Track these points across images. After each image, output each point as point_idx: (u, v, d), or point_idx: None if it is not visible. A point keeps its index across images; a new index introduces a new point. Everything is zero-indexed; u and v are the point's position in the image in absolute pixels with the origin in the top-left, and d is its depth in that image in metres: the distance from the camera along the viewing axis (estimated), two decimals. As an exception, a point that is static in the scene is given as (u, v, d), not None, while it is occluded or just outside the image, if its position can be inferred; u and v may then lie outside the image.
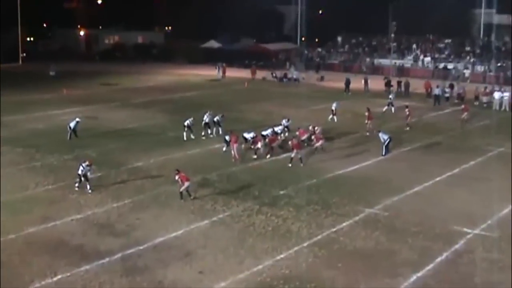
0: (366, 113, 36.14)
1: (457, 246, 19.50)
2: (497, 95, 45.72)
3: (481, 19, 70.78)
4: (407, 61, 66.94)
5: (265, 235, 20.28)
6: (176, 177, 23.64)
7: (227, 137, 30.17)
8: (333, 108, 39.31)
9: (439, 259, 18.54)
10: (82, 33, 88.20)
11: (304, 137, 31.80)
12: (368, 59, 69.24)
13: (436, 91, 47.38)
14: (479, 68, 62.40)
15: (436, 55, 66.91)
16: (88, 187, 24.34)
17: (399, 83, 52.73)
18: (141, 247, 19.13)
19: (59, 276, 17.16)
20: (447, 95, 47.91)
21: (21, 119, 38.28)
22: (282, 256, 18.63)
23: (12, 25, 72.58)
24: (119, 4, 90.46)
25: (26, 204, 22.80)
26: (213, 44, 78.55)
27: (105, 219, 21.61)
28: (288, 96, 51.07)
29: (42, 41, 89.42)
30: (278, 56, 74.40)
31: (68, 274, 17.29)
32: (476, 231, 20.74)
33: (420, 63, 66.49)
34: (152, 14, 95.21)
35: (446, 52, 67.54)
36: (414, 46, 69.57)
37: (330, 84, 58.38)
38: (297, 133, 31.99)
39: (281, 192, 24.72)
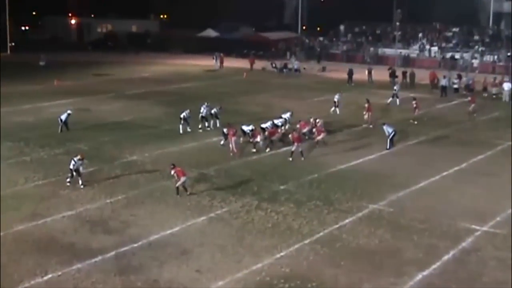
0: (366, 105, 36.11)
1: (464, 244, 19.49)
2: (506, 86, 45.72)
3: (490, 7, 70.64)
4: (413, 51, 66.90)
5: (265, 232, 20.28)
6: (172, 172, 23.61)
7: (225, 130, 30.15)
8: (336, 99, 39.28)
9: (446, 258, 18.53)
10: (73, 21, 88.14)
11: (305, 130, 31.78)
12: (372, 49, 69.18)
13: (443, 82, 47.34)
14: (488, 58, 62.37)
15: (443, 45, 66.83)
16: (80, 182, 24.32)
17: (404, 73, 52.63)
18: (135, 245, 19.11)
19: (49, 275, 17.14)
20: (455, 86, 47.85)
21: (9, 112, 38.18)
22: (282, 254, 18.62)
23: None
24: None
25: (15, 201, 22.76)
26: (210, 33, 78.52)
27: (98, 215, 21.59)
28: (289, 87, 51.03)
29: (31, 30, 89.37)
30: (278, 45, 74.32)
31: (59, 273, 17.27)
32: (485, 228, 20.75)
33: (426, 53, 66.44)
34: (146, 1, 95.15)
35: (454, 41, 67.46)
36: (420, 35, 69.47)
37: (332, 74, 58.36)
38: (298, 126, 31.95)
39: (281, 188, 24.72)
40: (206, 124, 34.29)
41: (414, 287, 16.89)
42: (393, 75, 52.40)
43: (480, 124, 37.22)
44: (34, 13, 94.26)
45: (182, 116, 33.38)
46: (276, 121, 32.25)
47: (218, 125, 33.98)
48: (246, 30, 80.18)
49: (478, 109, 39.62)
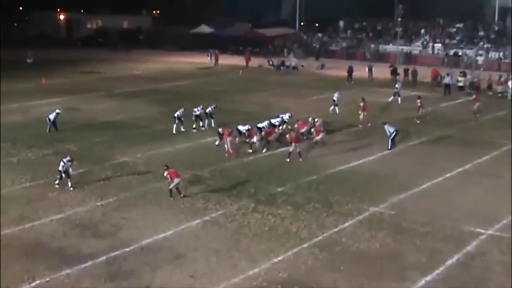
0: (361, 104, 36.14)
1: (469, 248, 19.51)
2: (512, 84, 45.83)
3: (496, 2, 70.79)
4: (415, 48, 67.05)
5: (261, 235, 20.28)
6: (165, 173, 23.61)
7: (220, 130, 30.13)
8: (335, 98, 39.33)
9: (449, 262, 18.55)
10: (62, 16, 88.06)
11: (304, 129, 31.81)
12: (372, 46, 69.31)
13: (447, 80, 47.40)
14: (493, 55, 62.50)
15: (447, 41, 66.97)
16: (70, 184, 24.30)
17: (406, 71, 52.76)
18: (127, 249, 19.09)
19: (37, 281, 17.11)
20: (460, 84, 47.84)
21: (-5, 111, 38.15)
22: (279, 258, 18.62)
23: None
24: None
25: (1, 204, 22.67)
26: (205, 29, 78.51)
27: (88, 219, 21.56)
28: (286, 85, 51.07)
29: (18, 26, 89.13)
30: (275, 42, 74.43)
31: (47, 279, 17.25)
32: (490, 232, 20.76)
33: (429, 49, 66.53)
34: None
35: (458, 38, 67.61)
36: (423, 31, 69.63)
37: (331, 72, 58.43)
38: (296, 125, 32.00)
39: (279, 189, 24.72)
40: (201, 123, 34.29)
41: (417, 293, 16.95)
42: (394, 72, 52.52)
43: (484, 124, 37.27)
44: (20, 8, 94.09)
45: (176, 115, 33.37)
46: (273, 121, 32.26)
47: (213, 124, 33.98)
48: (242, 26, 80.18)
49: (482, 108, 39.70)
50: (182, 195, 23.41)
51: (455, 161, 28.50)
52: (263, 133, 30.58)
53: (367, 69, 54.21)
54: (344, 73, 53.51)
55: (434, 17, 71.70)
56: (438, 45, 66.35)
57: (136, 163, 28.09)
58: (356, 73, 53.24)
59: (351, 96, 43.01)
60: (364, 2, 75.09)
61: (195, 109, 34.29)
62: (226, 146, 29.36)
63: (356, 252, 19.20)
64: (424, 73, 52.41)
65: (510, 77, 48.10)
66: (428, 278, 17.55)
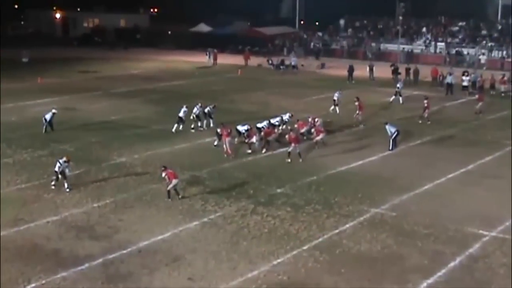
0: (356, 103, 36.12)
1: (471, 250, 19.53)
2: (515, 83, 45.87)
3: (498, 0, 70.82)
4: (417, 46, 67.10)
5: (261, 237, 20.28)
6: (163, 174, 23.62)
7: (218, 130, 30.14)
8: (335, 98, 39.35)
9: (452, 264, 18.56)
10: (58, 15, 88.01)
11: (303, 130, 31.83)
12: (373, 44, 69.33)
13: (449, 79, 47.39)
14: (496, 54, 62.53)
15: (449, 40, 67.00)
16: (66, 185, 24.29)
17: (407, 70, 52.75)
18: (124, 252, 19.09)
19: (32, 285, 17.10)
20: (464, 83, 47.70)
21: (-10, 111, 38.15)
22: (279, 260, 18.63)
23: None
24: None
25: (-3, 205, 22.74)
26: (203, 27, 78.51)
27: (84, 220, 21.55)
28: (286, 85, 51.07)
29: (13, 24, 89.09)
30: (275, 41, 74.40)
31: (43, 282, 17.24)
32: (493, 234, 20.78)
33: (432, 48, 66.55)
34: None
35: (460, 36, 67.65)
36: (424, 29, 69.68)
37: (332, 71, 58.46)
38: (296, 125, 32.01)
39: (278, 191, 24.73)
40: (199, 123, 34.28)
41: (419, 296, 16.97)
42: (395, 72, 52.56)
43: (487, 124, 37.29)
44: (15, 6, 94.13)
45: (181, 114, 33.14)
46: (272, 121, 32.28)
47: (211, 124, 33.99)
48: (240, 24, 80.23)
49: (485, 108, 39.71)
50: (180, 196, 23.42)
51: (458, 162, 28.52)
52: (262, 133, 30.59)
53: (368, 69, 54.20)
54: (345, 73, 53.51)
55: (436, 15, 71.75)
56: (440, 44, 66.37)
57: (133, 163, 28.08)
58: (357, 73, 53.25)
59: (352, 96, 42.90)
60: (365, 0, 75.14)
61: (194, 109, 34.28)
62: (225, 146, 29.35)
63: (357, 254, 19.20)
64: (426, 72, 52.42)
65: (513, 76, 48.20)
66: (430, 280, 17.55)
